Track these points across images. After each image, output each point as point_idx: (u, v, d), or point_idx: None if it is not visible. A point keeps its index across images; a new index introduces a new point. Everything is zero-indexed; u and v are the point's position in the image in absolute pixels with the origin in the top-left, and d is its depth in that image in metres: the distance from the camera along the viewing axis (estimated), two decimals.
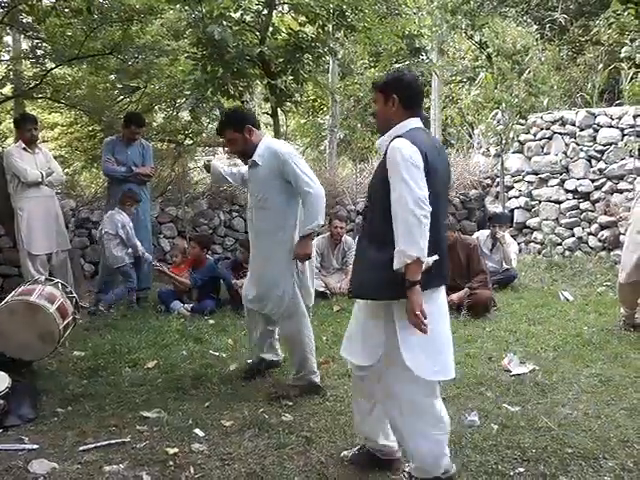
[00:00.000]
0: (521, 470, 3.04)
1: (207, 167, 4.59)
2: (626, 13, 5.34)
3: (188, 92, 7.85)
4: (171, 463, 3.12)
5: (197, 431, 3.49)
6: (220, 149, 13.43)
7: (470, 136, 11.71)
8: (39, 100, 9.92)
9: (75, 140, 10.86)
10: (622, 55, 5.60)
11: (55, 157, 7.02)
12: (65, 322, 4.46)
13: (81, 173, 10.62)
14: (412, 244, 2.52)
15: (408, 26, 10.35)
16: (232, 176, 4.41)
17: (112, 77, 9.88)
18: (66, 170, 9.45)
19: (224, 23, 6.65)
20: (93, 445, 3.31)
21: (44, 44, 9.10)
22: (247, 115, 4.13)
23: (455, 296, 6.19)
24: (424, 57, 14.15)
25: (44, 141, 11.05)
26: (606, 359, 4.69)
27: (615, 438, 3.37)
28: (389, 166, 2.64)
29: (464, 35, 13.92)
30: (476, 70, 13.33)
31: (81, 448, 3.28)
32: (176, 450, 3.25)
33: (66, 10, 7.84)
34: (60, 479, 2.99)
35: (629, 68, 9.36)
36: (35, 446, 3.31)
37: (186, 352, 4.91)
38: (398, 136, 2.71)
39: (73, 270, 6.70)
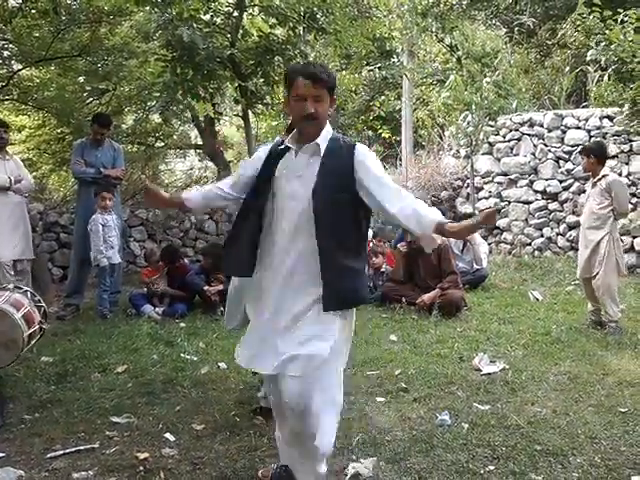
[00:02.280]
0: (491, 468, 3.06)
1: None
2: (591, 16, 5.44)
3: (158, 94, 7.80)
4: (141, 468, 3.08)
5: (168, 435, 3.46)
6: (192, 151, 13.38)
7: (441, 138, 11.81)
8: (6, 102, 9.77)
9: (43, 143, 10.71)
10: (588, 58, 5.71)
11: (23, 160, 6.90)
12: (30, 330, 4.36)
13: (49, 176, 10.48)
14: None
15: (379, 29, 10.42)
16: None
17: (81, 79, 9.77)
18: (34, 173, 9.33)
19: (194, 25, 6.62)
20: (61, 452, 3.25)
21: (11, 45, 8.98)
22: None
23: (426, 296, 6.24)
24: (395, 59, 14.26)
25: (11, 144, 10.87)
26: (574, 357, 4.76)
27: (583, 435, 3.42)
28: (373, 165, 2.57)
29: (434, 38, 14.08)
30: (446, 72, 13.44)
31: (49, 455, 3.23)
32: (146, 455, 3.21)
33: (33, 11, 7.73)
34: None
35: (595, 71, 9.54)
36: (1, 454, 3.24)
37: (157, 356, 4.86)
38: (337, 137, 2.62)
39: (42, 274, 6.59)
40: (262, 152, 2.74)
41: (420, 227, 2.48)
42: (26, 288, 4.85)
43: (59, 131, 10.24)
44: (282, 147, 2.63)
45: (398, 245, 6.81)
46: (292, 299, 2.52)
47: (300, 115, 2.50)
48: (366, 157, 2.57)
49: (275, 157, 2.64)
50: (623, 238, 8.27)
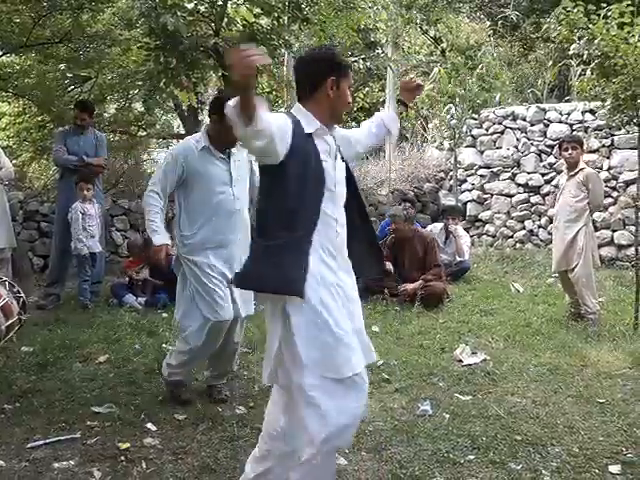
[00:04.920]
0: (471, 458, 3.10)
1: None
2: (575, 10, 5.47)
3: (141, 83, 7.74)
4: (123, 458, 3.07)
5: (149, 425, 3.45)
6: (174, 141, 13.29)
7: (424, 130, 11.83)
8: None
9: (24, 130, 10.55)
10: (571, 52, 5.73)
11: (3, 148, 6.82)
12: (8, 322, 4.31)
13: (30, 164, 10.34)
14: None
15: (363, 20, 10.38)
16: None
17: (62, 66, 9.64)
18: (14, 161, 9.20)
19: (177, 13, 6.56)
20: (42, 442, 3.23)
21: None
22: None
23: (409, 286, 6.28)
24: (379, 51, 14.23)
25: None
26: (554, 348, 4.81)
27: (562, 425, 3.47)
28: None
29: (419, 30, 14.08)
30: (430, 65, 13.47)
31: (29, 445, 3.20)
32: (128, 445, 3.20)
33: None
34: (8, 477, 2.91)
35: (578, 65, 9.58)
36: None
37: (139, 346, 4.84)
38: None
39: (22, 263, 6.52)
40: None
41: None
42: (4, 278, 4.80)
43: (40, 119, 10.09)
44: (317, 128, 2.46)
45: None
46: None
47: (348, 103, 2.55)
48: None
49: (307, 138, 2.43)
50: (603, 231, 8.38)
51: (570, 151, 5.43)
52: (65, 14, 8.43)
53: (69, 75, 9.63)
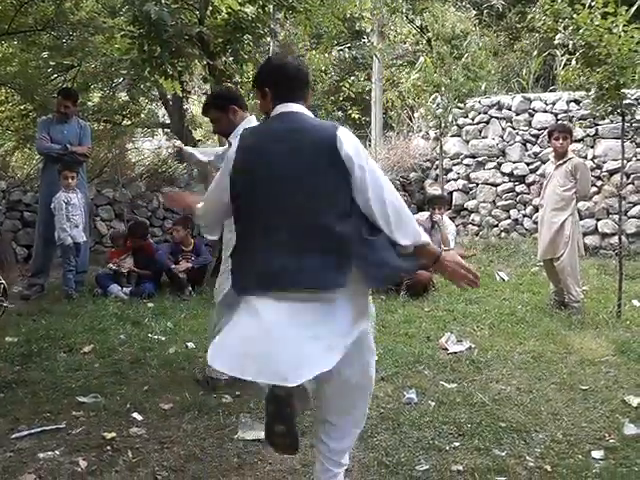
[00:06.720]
0: (457, 444, 3.12)
1: (179, 152, 4.49)
2: (560, 0, 5.48)
3: (124, 71, 7.66)
4: (108, 448, 3.07)
5: (135, 415, 3.44)
6: (159, 130, 13.20)
7: (410, 119, 11.83)
8: None
9: (6, 119, 10.45)
10: (556, 42, 5.75)
11: None
12: None
13: (13, 153, 10.23)
14: None
15: (349, 8, 10.35)
16: (212, 157, 4.21)
17: (45, 54, 9.53)
18: None
19: (162, 1, 6.48)
20: (26, 432, 3.22)
21: None
22: (232, 96, 4.02)
23: None
24: (365, 40, 14.19)
25: None
26: (538, 336, 4.86)
27: (545, 411, 3.51)
28: None
29: (405, 19, 14.02)
30: (416, 54, 13.45)
31: (14, 436, 3.19)
32: (114, 435, 3.20)
33: None
34: None
35: (563, 55, 9.62)
36: None
37: (124, 336, 4.82)
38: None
39: (5, 253, 6.46)
40: None
41: None
42: None
43: (23, 107, 9.99)
44: None
45: None
46: None
47: None
48: None
49: None
50: (587, 220, 8.44)
51: (561, 140, 5.47)
52: (48, 1, 8.33)
53: (52, 63, 9.53)
